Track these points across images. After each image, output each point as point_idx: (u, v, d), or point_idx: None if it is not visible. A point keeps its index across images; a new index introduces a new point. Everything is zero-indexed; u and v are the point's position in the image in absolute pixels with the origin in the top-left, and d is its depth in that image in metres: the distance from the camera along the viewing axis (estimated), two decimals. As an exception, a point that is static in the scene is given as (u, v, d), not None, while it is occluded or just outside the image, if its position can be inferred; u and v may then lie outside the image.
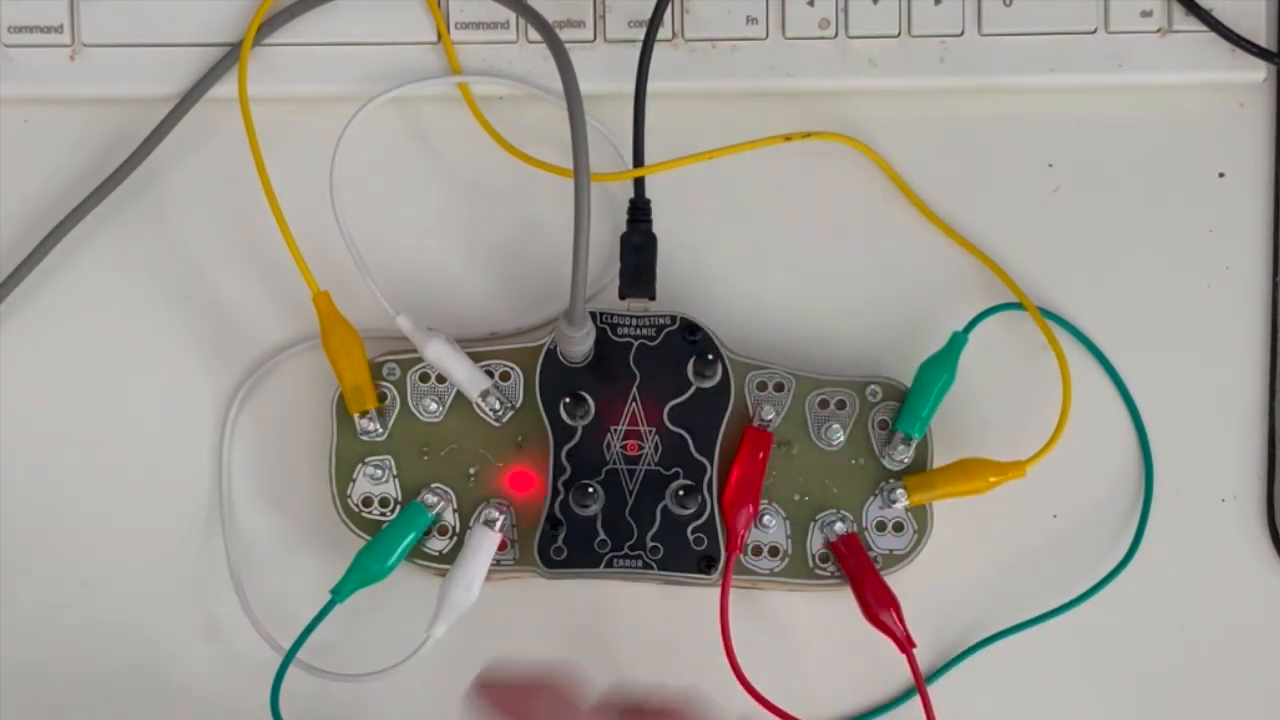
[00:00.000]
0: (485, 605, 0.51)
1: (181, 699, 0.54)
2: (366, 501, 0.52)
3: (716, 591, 0.51)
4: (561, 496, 0.51)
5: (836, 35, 0.54)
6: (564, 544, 0.51)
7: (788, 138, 0.54)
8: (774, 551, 0.52)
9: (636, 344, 0.52)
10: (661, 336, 0.52)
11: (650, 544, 0.51)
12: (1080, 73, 0.54)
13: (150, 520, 0.54)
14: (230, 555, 0.54)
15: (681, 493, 0.51)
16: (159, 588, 0.54)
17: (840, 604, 0.52)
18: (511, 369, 0.52)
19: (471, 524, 0.52)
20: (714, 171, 0.54)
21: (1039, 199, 0.55)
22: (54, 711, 0.55)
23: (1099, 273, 0.54)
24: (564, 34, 0.53)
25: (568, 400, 0.51)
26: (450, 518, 0.52)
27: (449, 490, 0.52)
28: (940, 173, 0.55)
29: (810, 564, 0.52)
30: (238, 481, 0.55)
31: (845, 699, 0.54)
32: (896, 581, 0.52)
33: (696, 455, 0.52)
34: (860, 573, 0.51)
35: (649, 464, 0.52)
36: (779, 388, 0.52)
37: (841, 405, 0.52)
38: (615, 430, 0.52)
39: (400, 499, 0.52)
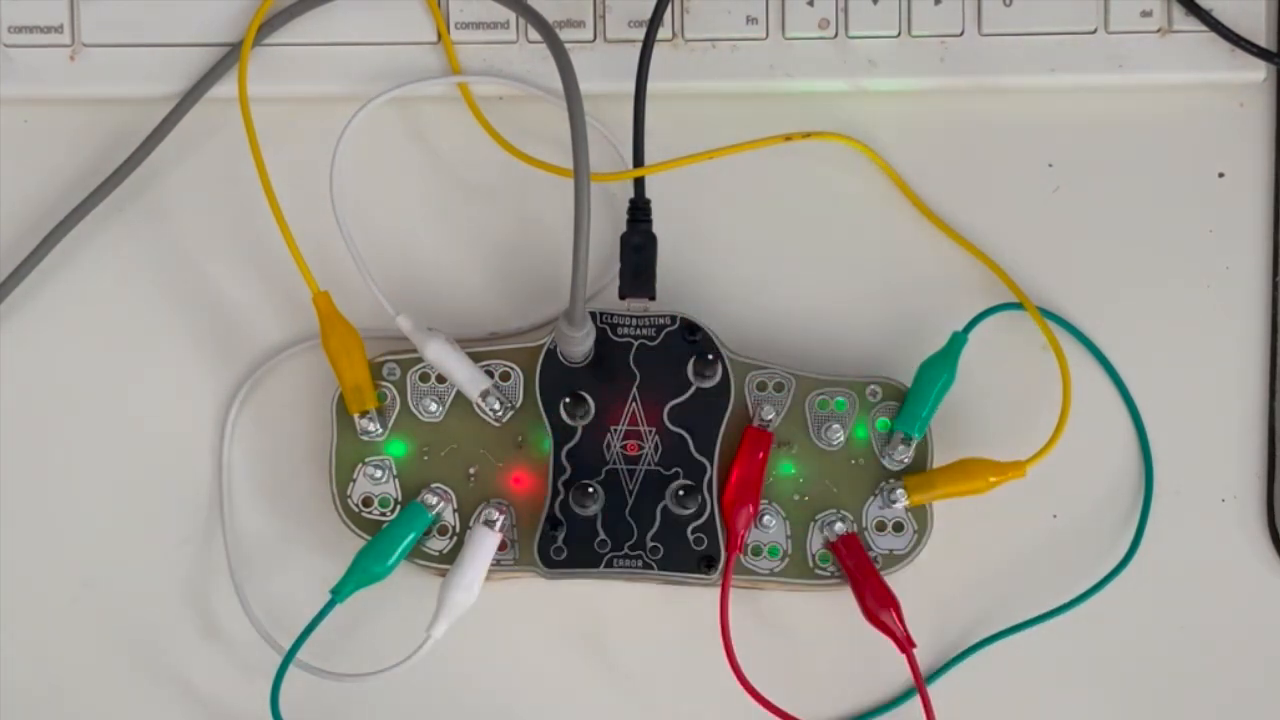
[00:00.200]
0: (485, 605, 0.51)
1: (181, 699, 0.54)
2: (366, 501, 0.52)
3: (716, 591, 0.51)
4: (561, 496, 0.51)
5: (836, 35, 0.54)
6: (564, 544, 0.51)
7: (788, 138, 0.54)
8: (774, 551, 0.52)
9: (636, 344, 0.52)
10: (661, 336, 0.52)
11: (650, 544, 0.51)
12: (1080, 73, 0.54)
13: (150, 520, 0.54)
14: (230, 555, 0.54)
15: (681, 493, 0.51)
16: (159, 588, 0.54)
17: (840, 604, 0.52)
18: (511, 369, 0.52)
19: (471, 524, 0.52)
20: (714, 171, 0.54)
21: (1039, 199, 0.55)
22: (54, 711, 0.55)
23: (1099, 273, 0.54)
24: (564, 34, 0.53)
25: (568, 400, 0.51)
26: (450, 518, 0.52)
27: (449, 490, 0.52)
28: (940, 173, 0.55)
29: (810, 564, 0.52)
30: (238, 481, 0.55)
31: (845, 699, 0.54)
32: (896, 581, 0.52)
33: (696, 455, 0.52)
34: (860, 573, 0.51)
35: (649, 464, 0.52)
36: (779, 388, 0.52)
37: (841, 405, 0.52)
38: (615, 430, 0.52)
39: (400, 499, 0.52)
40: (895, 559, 0.52)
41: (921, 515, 0.52)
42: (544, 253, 0.55)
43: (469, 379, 0.52)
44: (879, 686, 0.54)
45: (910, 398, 0.52)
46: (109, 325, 0.55)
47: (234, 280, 0.55)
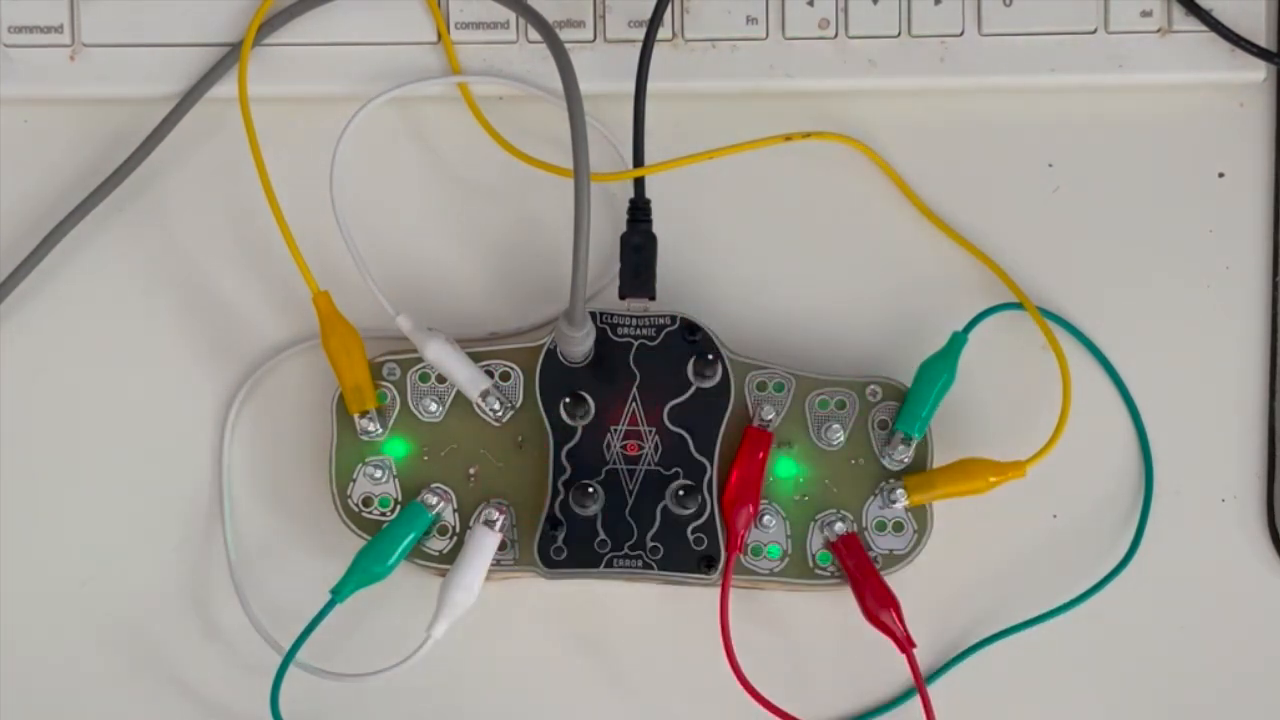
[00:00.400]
0: (485, 605, 0.51)
1: (181, 699, 0.54)
2: (366, 501, 0.52)
3: (716, 591, 0.51)
4: (561, 496, 0.51)
5: (836, 35, 0.54)
6: (564, 544, 0.51)
7: (788, 138, 0.54)
8: (774, 551, 0.52)
9: (636, 344, 0.52)
10: (661, 336, 0.52)
11: (650, 544, 0.51)
12: (1080, 73, 0.54)
13: (150, 521, 0.54)
14: (230, 555, 0.54)
15: (681, 493, 0.51)
16: (159, 588, 0.54)
17: (840, 604, 0.52)
18: (511, 369, 0.52)
19: (471, 524, 0.52)
20: (714, 171, 0.54)
21: (1039, 199, 0.55)
22: (54, 711, 0.55)
23: (1099, 273, 0.54)
24: (564, 34, 0.53)
25: (568, 400, 0.51)
26: (450, 518, 0.52)
27: (449, 490, 0.52)
28: (940, 173, 0.55)
29: (810, 564, 0.52)
30: (238, 481, 0.55)
31: (845, 699, 0.54)
32: (896, 581, 0.52)
33: (696, 455, 0.52)
34: (860, 573, 0.51)
35: (649, 464, 0.52)
36: (779, 388, 0.52)
37: (841, 405, 0.52)
38: (615, 430, 0.52)
39: (400, 499, 0.52)
40: (895, 559, 0.52)
41: (921, 515, 0.52)
42: (544, 253, 0.55)
43: (469, 379, 0.52)
44: (879, 686, 0.54)
45: (910, 398, 0.52)
46: (109, 325, 0.55)
47: (234, 280, 0.55)
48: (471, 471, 0.52)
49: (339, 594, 0.51)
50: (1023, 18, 0.53)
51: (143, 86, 0.54)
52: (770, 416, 0.52)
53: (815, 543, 0.52)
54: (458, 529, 0.52)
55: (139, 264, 0.55)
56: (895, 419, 0.52)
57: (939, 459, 0.53)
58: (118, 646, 0.54)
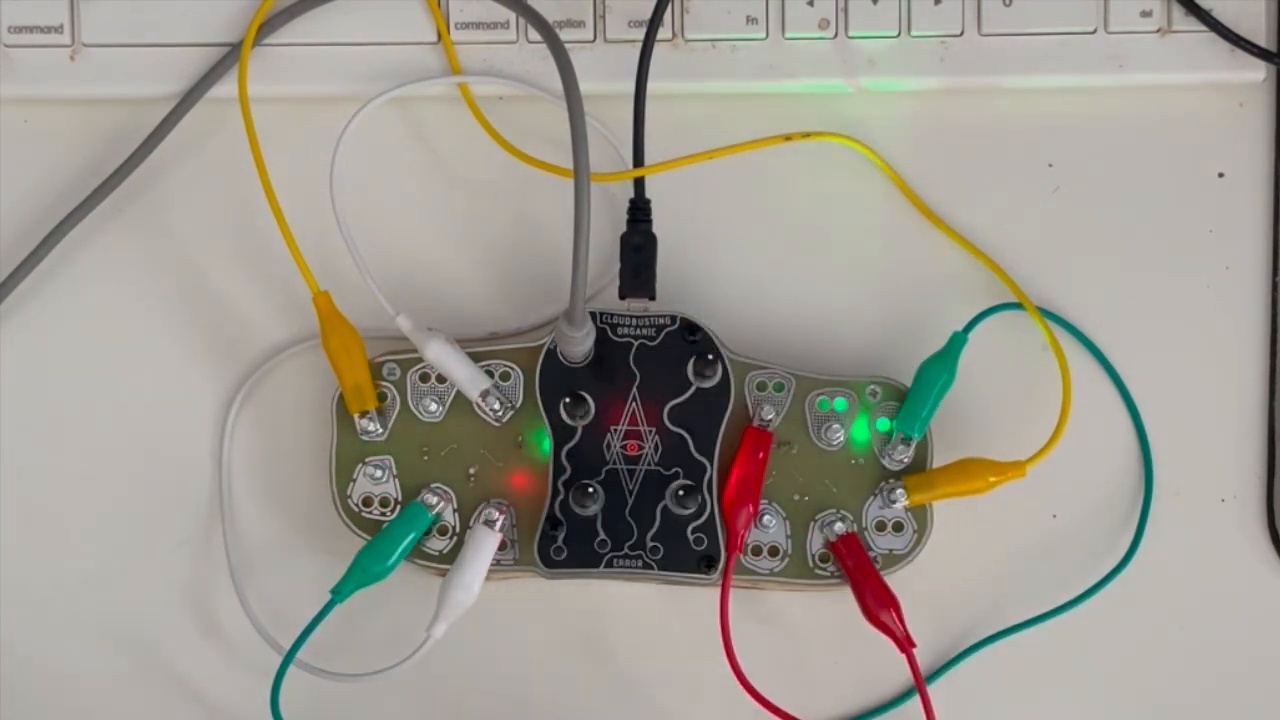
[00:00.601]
0: (485, 605, 0.51)
1: (181, 699, 0.54)
2: (366, 501, 0.52)
3: (716, 591, 0.51)
4: (561, 496, 0.51)
5: (836, 35, 0.54)
6: (564, 544, 0.51)
7: (788, 138, 0.54)
8: (774, 551, 0.52)
9: (636, 344, 0.52)
10: (661, 336, 0.52)
11: (650, 544, 0.51)
12: (1080, 73, 0.54)
13: (150, 520, 0.54)
14: (230, 555, 0.54)
15: (681, 493, 0.51)
16: (159, 588, 0.54)
17: (840, 604, 0.52)
18: (511, 369, 0.52)
19: (471, 524, 0.52)
20: (714, 171, 0.54)
21: (1039, 199, 0.55)
22: (54, 711, 0.55)
23: (1099, 273, 0.54)
24: (564, 34, 0.53)
25: (568, 400, 0.51)
26: (450, 518, 0.52)
27: (449, 490, 0.52)
28: (940, 173, 0.55)
29: (810, 564, 0.52)
30: (238, 481, 0.55)
31: (845, 699, 0.54)
32: (896, 581, 0.52)
33: (696, 455, 0.52)
34: (860, 573, 0.51)
35: (649, 464, 0.52)
36: (779, 388, 0.52)
37: (842, 405, 0.52)
38: (615, 430, 0.52)
39: (400, 499, 0.52)
40: (895, 559, 0.52)
41: (921, 515, 0.52)
42: (544, 253, 0.55)
43: (469, 379, 0.52)
44: (879, 686, 0.54)
45: (910, 398, 0.52)
46: (109, 325, 0.55)
47: (234, 280, 0.55)
48: (471, 471, 0.52)
49: (339, 594, 0.51)
50: (1023, 18, 0.53)
51: (143, 86, 0.54)
52: (770, 416, 0.52)
53: (815, 543, 0.52)
54: (458, 529, 0.52)
55: (139, 264, 0.55)
56: (895, 419, 0.52)
57: (939, 459, 0.53)
58: (118, 646, 0.54)
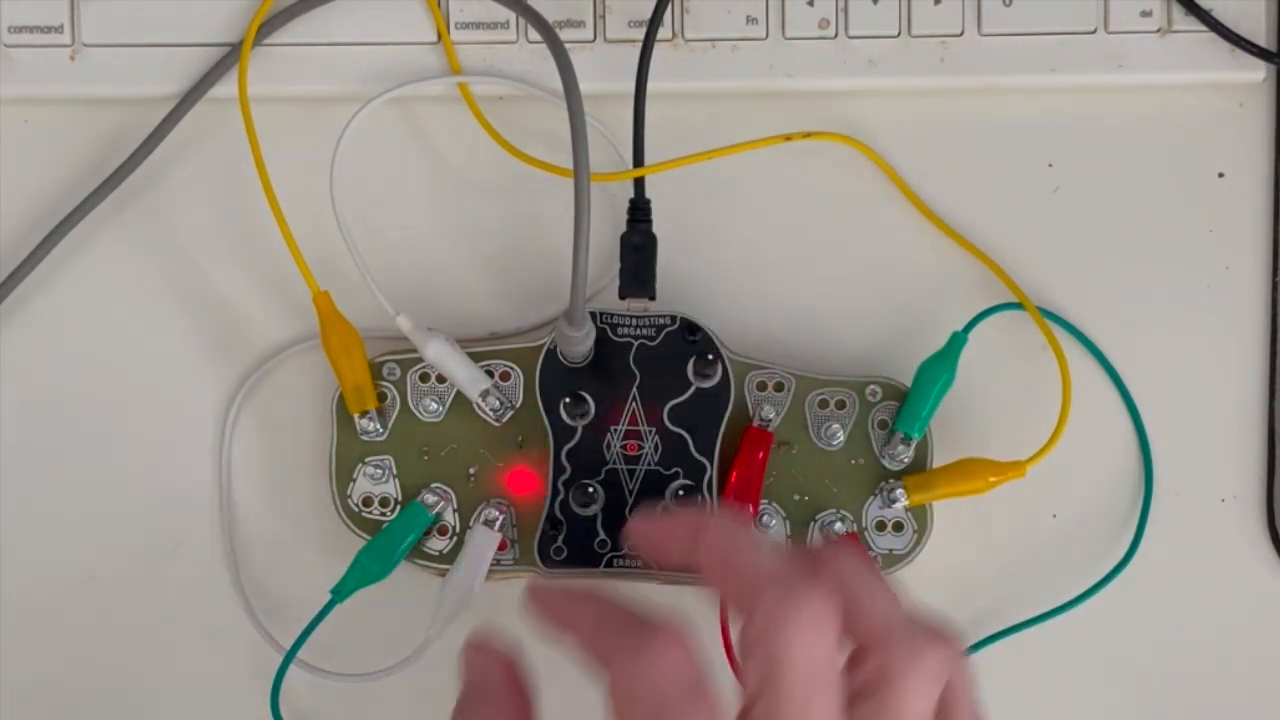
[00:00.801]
0: (485, 605, 0.51)
1: (182, 699, 0.54)
2: (366, 501, 0.52)
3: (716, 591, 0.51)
4: (561, 496, 0.51)
5: (836, 35, 0.54)
6: (564, 544, 0.51)
7: (788, 138, 0.54)
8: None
9: (636, 344, 0.52)
10: (661, 336, 0.52)
11: (650, 544, 0.51)
12: (1080, 73, 0.54)
13: (150, 520, 0.54)
14: (230, 555, 0.54)
15: (681, 493, 0.51)
16: (159, 588, 0.54)
17: (840, 604, 0.52)
18: (511, 369, 0.52)
19: (471, 524, 0.52)
20: (714, 171, 0.54)
21: (1039, 199, 0.55)
22: (54, 711, 0.55)
23: (1099, 273, 0.54)
24: (564, 34, 0.53)
25: (568, 400, 0.51)
26: (450, 518, 0.52)
27: (449, 490, 0.52)
28: (940, 173, 0.55)
29: (810, 564, 0.52)
30: (238, 481, 0.55)
31: (845, 699, 0.54)
32: (896, 582, 0.52)
33: (696, 455, 0.52)
34: (860, 573, 0.51)
35: (649, 464, 0.52)
36: (779, 388, 0.52)
37: (841, 405, 0.53)
38: (615, 430, 0.52)
39: (400, 499, 0.52)
40: (895, 559, 0.52)
41: (921, 515, 0.52)
42: (544, 253, 0.55)
43: (469, 379, 0.52)
44: (879, 686, 0.54)
45: (910, 398, 0.52)
46: (109, 325, 0.55)
47: (234, 280, 0.55)
48: (471, 471, 0.52)
49: (339, 594, 0.51)
50: (1023, 18, 0.53)
51: (143, 86, 0.54)
52: (770, 416, 0.52)
53: (815, 543, 0.52)
54: (458, 529, 0.52)
55: (139, 264, 0.55)
56: (895, 419, 0.52)
57: (939, 459, 0.53)
58: (118, 646, 0.54)
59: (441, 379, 0.52)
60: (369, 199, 0.55)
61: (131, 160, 0.54)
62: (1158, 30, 0.54)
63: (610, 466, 0.52)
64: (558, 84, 0.47)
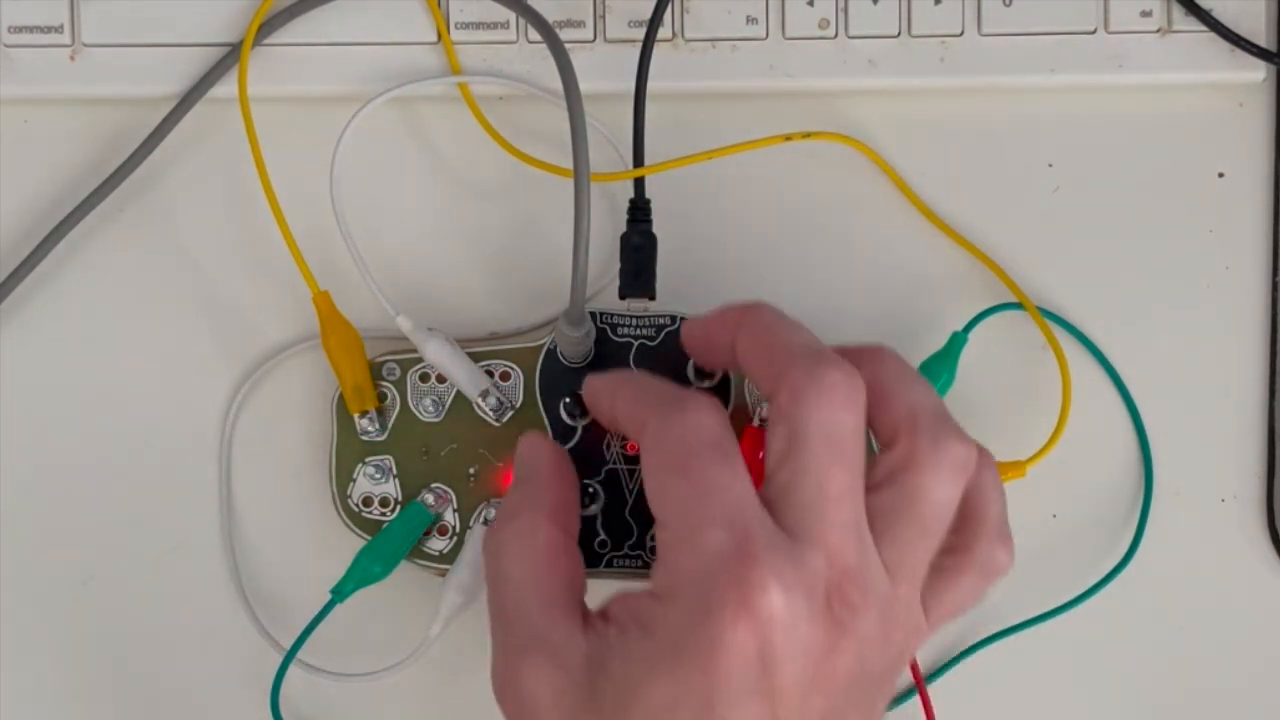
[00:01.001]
0: (485, 605, 0.51)
1: (182, 699, 0.54)
2: (366, 501, 0.52)
3: (716, 591, 0.51)
4: (561, 496, 0.51)
5: (836, 35, 0.54)
6: (564, 544, 0.51)
7: (788, 138, 0.54)
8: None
9: (636, 344, 0.52)
10: (661, 336, 0.52)
11: (650, 544, 0.51)
12: (1080, 73, 0.54)
13: (150, 520, 0.54)
14: (230, 555, 0.54)
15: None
16: (159, 588, 0.54)
17: (840, 604, 0.52)
18: (511, 369, 0.52)
19: (471, 524, 0.52)
20: (714, 171, 0.54)
21: (1039, 199, 0.55)
22: (54, 711, 0.55)
23: (1099, 273, 0.54)
24: (564, 34, 0.53)
25: (568, 400, 0.51)
26: (450, 518, 0.52)
27: (449, 490, 0.52)
28: (940, 173, 0.55)
29: (810, 564, 0.52)
30: (238, 481, 0.55)
31: (845, 699, 0.54)
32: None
33: (696, 455, 0.52)
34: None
35: (649, 464, 0.52)
36: (779, 388, 0.52)
37: (841, 405, 0.52)
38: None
39: (400, 499, 0.52)
40: (895, 559, 0.52)
41: (921, 515, 0.52)
42: (544, 253, 0.55)
43: (469, 379, 0.52)
44: (879, 686, 0.54)
45: (910, 398, 0.52)
46: (109, 325, 0.55)
47: (234, 280, 0.55)
48: (471, 471, 0.52)
49: (339, 594, 0.51)
50: (1023, 18, 0.53)
51: (143, 86, 0.54)
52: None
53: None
54: (458, 529, 0.52)
55: (139, 264, 0.55)
56: (895, 419, 0.52)
57: (939, 459, 0.53)
58: (118, 646, 0.54)
59: (441, 379, 0.52)
60: (369, 199, 0.55)
61: (132, 160, 0.54)
62: (1158, 30, 0.54)
63: (610, 467, 0.52)
64: (558, 84, 0.47)
